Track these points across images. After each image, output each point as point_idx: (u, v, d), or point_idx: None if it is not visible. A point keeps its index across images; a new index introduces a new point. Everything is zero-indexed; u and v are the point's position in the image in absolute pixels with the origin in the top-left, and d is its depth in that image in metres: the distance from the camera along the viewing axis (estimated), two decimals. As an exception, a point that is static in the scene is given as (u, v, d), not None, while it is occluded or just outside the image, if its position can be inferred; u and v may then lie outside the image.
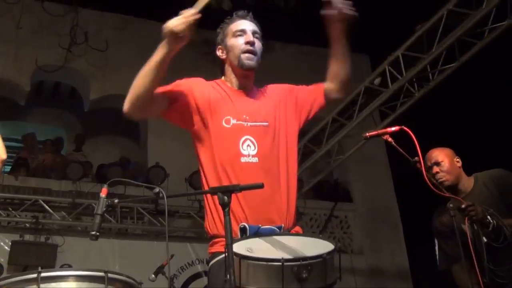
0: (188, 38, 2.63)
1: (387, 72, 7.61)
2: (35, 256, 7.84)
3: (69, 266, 8.11)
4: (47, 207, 8.58)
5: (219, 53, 2.96)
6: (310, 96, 2.99)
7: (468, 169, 4.24)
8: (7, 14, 10.20)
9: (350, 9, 2.80)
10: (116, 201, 2.43)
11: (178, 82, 2.83)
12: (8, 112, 11.55)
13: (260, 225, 2.57)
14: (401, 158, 3.65)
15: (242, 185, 2.37)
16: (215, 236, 2.66)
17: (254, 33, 2.89)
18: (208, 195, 2.70)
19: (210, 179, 2.69)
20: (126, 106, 2.70)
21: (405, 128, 3.38)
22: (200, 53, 10.69)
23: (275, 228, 2.59)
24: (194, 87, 2.82)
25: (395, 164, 11.00)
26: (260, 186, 2.36)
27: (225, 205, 2.27)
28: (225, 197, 2.27)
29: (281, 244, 2.30)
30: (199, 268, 9.09)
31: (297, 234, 2.61)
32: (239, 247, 2.23)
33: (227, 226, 2.20)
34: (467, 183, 4.13)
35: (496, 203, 3.88)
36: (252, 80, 2.93)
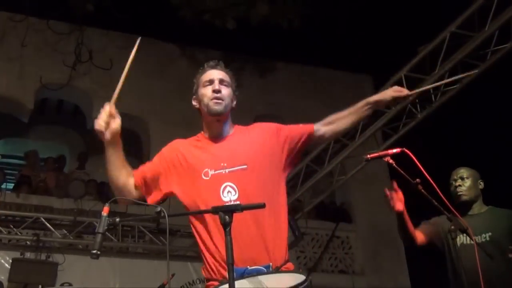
0: (114, 131, 2.79)
1: (390, 93, 7.61)
2: (36, 274, 7.80)
3: (69, 285, 8.10)
4: (48, 225, 8.56)
5: (194, 103, 3.09)
6: (297, 140, 3.02)
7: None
8: (12, 32, 10.27)
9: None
10: (117, 219, 2.43)
11: (145, 167, 3.00)
12: (11, 129, 11.60)
13: (247, 266, 2.61)
14: (404, 179, 3.65)
15: (244, 204, 2.40)
16: (207, 280, 2.74)
17: (221, 81, 3.00)
18: (200, 244, 2.78)
19: (202, 233, 2.78)
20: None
21: (406, 150, 3.39)
22: (203, 72, 10.77)
23: (262, 267, 2.62)
24: (171, 155, 2.98)
25: (398, 184, 10.97)
26: (262, 206, 2.40)
27: (227, 225, 2.28)
28: (226, 217, 2.28)
29: (261, 284, 2.41)
30: (200, 287, 9.04)
31: (282, 271, 2.62)
32: None
33: (228, 245, 2.23)
34: (481, 207, 4.34)
35: (504, 240, 4.05)
36: (227, 123, 3.02)
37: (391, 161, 3.42)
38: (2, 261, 8.14)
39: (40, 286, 7.62)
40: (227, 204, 2.68)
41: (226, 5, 9.89)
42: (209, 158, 2.87)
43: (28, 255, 8.18)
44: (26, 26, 10.09)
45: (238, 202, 2.69)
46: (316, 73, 12.14)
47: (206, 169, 2.82)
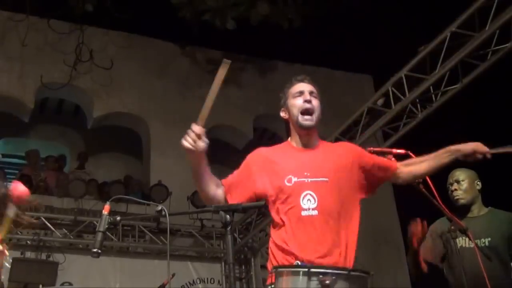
0: (201, 150, 2.84)
1: (390, 93, 7.61)
2: (36, 273, 7.79)
3: (69, 284, 8.10)
4: (49, 224, 8.56)
5: (282, 114, 3.23)
6: (380, 172, 3.18)
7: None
8: (13, 32, 10.27)
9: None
10: (118, 218, 2.44)
11: (233, 176, 3.09)
12: (12, 129, 11.59)
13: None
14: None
15: (244, 204, 2.42)
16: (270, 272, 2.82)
17: (311, 92, 3.15)
18: (272, 243, 2.92)
19: (276, 232, 2.93)
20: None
21: (411, 153, 3.40)
22: (204, 72, 10.76)
23: None
24: (256, 163, 3.08)
25: (398, 184, 10.97)
26: (262, 205, 2.42)
27: (227, 225, 2.28)
28: (227, 216, 2.28)
29: None
30: (200, 287, 9.05)
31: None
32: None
33: (229, 244, 2.23)
34: (480, 208, 4.33)
35: (502, 246, 4.07)
36: (315, 135, 3.16)
37: (393, 159, 3.42)
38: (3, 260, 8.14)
39: (40, 286, 7.61)
40: (305, 212, 2.86)
41: (226, 5, 9.89)
42: (294, 166, 3.00)
43: (28, 254, 8.19)
44: (27, 25, 10.09)
45: (316, 211, 2.85)
46: (316, 73, 12.13)
47: (290, 176, 2.95)
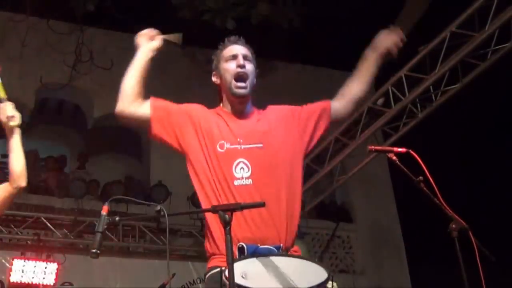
0: (155, 44, 3.02)
1: (390, 93, 7.62)
2: (36, 273, 7.82)
3: (70, 284, 8.11)
4: (49, 224, 8.57)
5: (214, 79, 3.03)
6: (314, 117, 2.99)
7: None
8: (13, 32, 10.26)
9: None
10: (117, 218, 2.44)
11: (178, 105, 2.96)
12: (12, 129, 11.57)
13: (258, 245, 2.57)
14: (404, 179, 3.66)
15: (244, 203, 2.37)
16: (213, 254, 2.67)
17: (245, 57, 2.95)
18: (208, 216, 2.71)
19: (205, 204, 2.70)
20: (116, 106, 3.06)
21: (412, 152, 3.38)
22: (204, 72, 10.73)
23: (273, 248, 2.58)
24: (193, 112, 2.91)
25: (398, 184, 10.99)
26: (262, 205, 2.37)
27: (227, 224, 2.27)
28: (226, 216, 2.27)
29: (276, 268, 2.31)
30: (201, 287, 9.05)
31: (293, 256, 2.56)
32: (235, 270, 2.20)
33: (228, 245, 2.20)
34: None
35: None
36: (248, 102, 2.97)
37: (394, 157, 3.40)
38: (3, 260, 8.15)
39: (40, 286, 7.63)
40: (238, 181, 2.67)
41: (226, 5, 9.89)
42: (227, 131, 2.81)
43: (28, 254, 8.20)
44: (27, 26, 10.07)
45: (250, 180, 2.67)
46: (316, 73, 12.13)
47: (222, 141, 2.77)
